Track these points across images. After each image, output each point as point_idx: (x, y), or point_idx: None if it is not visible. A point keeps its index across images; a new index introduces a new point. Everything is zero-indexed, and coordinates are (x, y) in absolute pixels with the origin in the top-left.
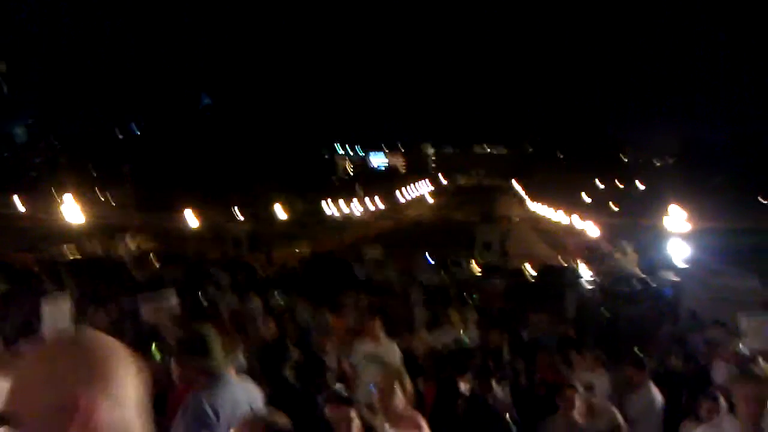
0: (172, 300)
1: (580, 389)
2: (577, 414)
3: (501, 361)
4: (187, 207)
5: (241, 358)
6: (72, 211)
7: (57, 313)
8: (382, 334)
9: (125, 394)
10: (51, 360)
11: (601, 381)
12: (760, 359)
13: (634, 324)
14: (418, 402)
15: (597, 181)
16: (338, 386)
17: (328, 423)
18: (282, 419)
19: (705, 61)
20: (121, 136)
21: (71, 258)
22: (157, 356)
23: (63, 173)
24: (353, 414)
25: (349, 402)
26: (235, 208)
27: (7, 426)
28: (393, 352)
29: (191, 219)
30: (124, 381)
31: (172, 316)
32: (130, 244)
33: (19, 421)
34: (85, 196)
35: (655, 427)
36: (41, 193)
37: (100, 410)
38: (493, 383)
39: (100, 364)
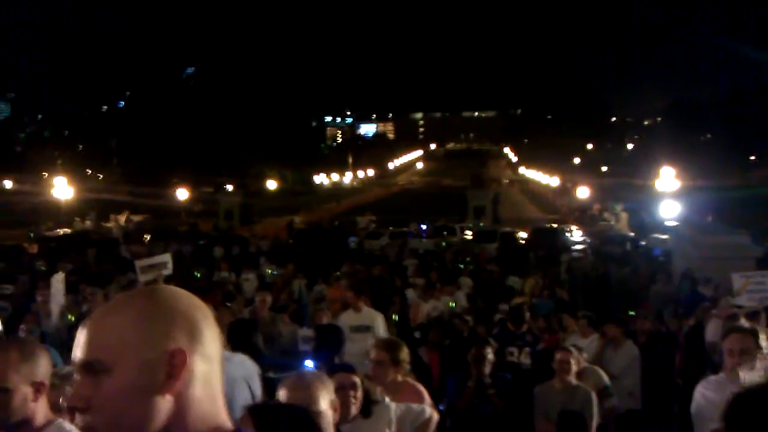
0: (168, 263)
1: (575, 353)
2: (571, 378)
3: (522, 323)
4: (176, 180)
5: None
6: (61, 187)
7: (57, 292)
8: (363, 305)
9: (212, 349)
10: (145, 312)
11: (593, 344)
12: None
13: (625, 285)
14: (425, 371)
15: (586, 142)
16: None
17: None
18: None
19: (692, 19)
20: (105, 109)
21: (62, 234)
22: None
23: (49, 148)
24: (358, 380)
25: (353, 370)
26: (225, 179)
27: (93, 373)
28: (376, 322)
29: (181, 192)
30: (210, 335)
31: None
32: (121, 219)
33: (107, 370)
34: (73, 172)
35: (636, 380)
36: (28, 168)
37: (192, 365)
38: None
39: (191, 319)
